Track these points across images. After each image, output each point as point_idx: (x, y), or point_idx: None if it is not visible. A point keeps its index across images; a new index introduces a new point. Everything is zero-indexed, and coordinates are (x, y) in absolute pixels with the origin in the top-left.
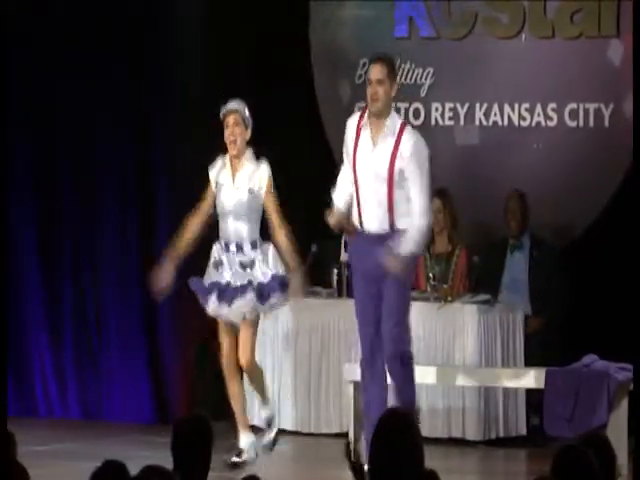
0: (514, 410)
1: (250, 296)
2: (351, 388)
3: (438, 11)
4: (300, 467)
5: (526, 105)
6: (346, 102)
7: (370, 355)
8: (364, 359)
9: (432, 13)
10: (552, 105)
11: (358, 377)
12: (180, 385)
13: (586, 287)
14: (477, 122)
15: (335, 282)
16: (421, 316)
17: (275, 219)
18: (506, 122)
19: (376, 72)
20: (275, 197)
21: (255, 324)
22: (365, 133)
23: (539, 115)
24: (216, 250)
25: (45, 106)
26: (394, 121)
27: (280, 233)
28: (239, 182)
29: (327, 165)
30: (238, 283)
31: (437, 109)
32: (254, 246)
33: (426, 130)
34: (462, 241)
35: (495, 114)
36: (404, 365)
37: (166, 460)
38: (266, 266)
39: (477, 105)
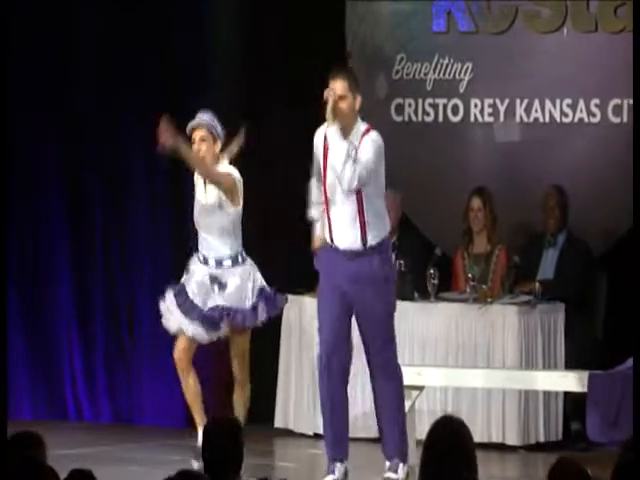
0: (555, 414)
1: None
2: None
3: (477, 5)
4: None
5: (568, 101)
6: (382, 97)
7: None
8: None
9: (471, 7)
10: (595, 101)
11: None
12: (213, 388)
13: (629, 289)
14: (517, 119)
15: None
16: (460, 318)
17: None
18: (547, 118)
19: (337, 87)
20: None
21: (247, 336)
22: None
23: (581, 111)
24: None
25: (73, 104)
26: (357, 132)
27: None
28: (210, 197)
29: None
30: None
31: (476, 105)
32: (235, 262)
33: (465, 127)
34: (502, 241)
35: (536, 110)
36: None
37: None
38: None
39: (517, 101)
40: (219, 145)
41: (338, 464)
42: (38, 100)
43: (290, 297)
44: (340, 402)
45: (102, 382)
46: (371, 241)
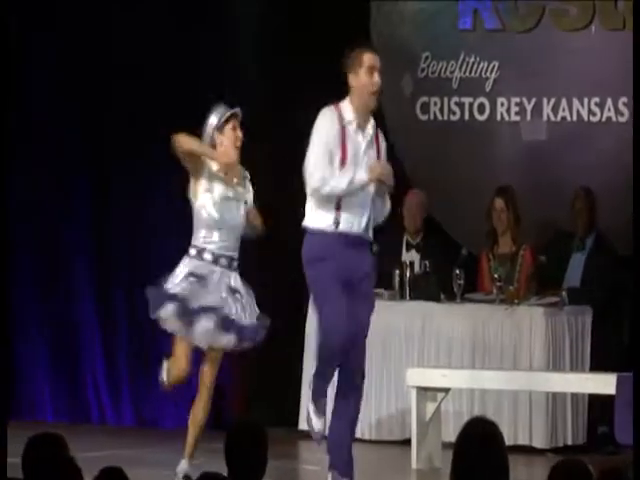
0: (582, 417)
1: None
2: (414, 394)
3: (504, 4)
4: (361, 476)
5: (596, 99)
6: (408, 96)
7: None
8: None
9: (497, 5)
10: (623, 99)
11: (421, 382)
12: (235, 391)
13: None
14: (545, 117)
15: (397, 283)
16: (487, 319)
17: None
18: (575, 117)
19: (377, 60)
20: None
21: None
22: (352, 129)
23: (609, 110)
24: (196, 264)
25: (98, 106)
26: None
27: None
28: (239, 193)
29: (387, 157)
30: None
31: (503, 104)
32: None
33: (491, 126)
34: (527, 240)
35: (563, 109)
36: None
37: (221, 467)
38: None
39: (544, 100)
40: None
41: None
42: (63, 97)
43: None
44: None
45: (125, 385)
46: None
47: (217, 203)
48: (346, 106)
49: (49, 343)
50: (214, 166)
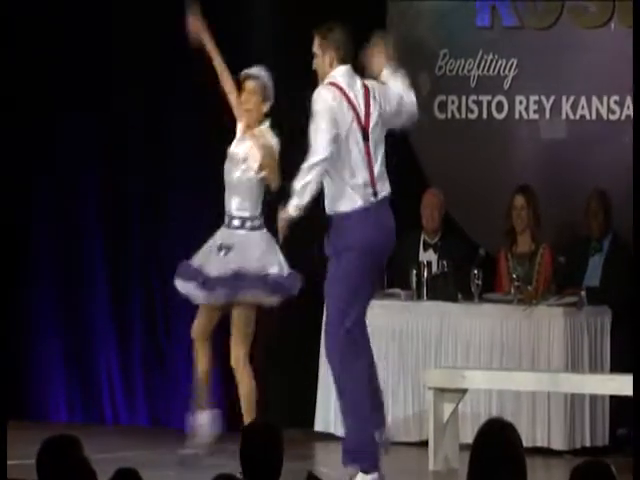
0: (601, 418)
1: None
2: (431, 395)
3: (522, 1)
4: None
5: (616, 98)
6: (425, 94)
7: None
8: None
9: (516, 2)
10: None
11: (439, 383)
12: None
13: None
14: (564, 116)
15: (414, 283)
16: (505, 319)
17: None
18: (594, 116)
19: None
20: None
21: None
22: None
23: (629, 108)
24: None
25: (112, 104)
26: None
27: None
28: (237, 148)
29: (403, 156)
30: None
31: (521, 102)
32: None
33: (509, 124)
34: (545, 240)
35: (583, 107)
36: None
37: (236, 469)
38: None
39: (564, 98)
40: (267, 107)
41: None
42: (78, 99)
43: None
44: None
45: (139, 385)
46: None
47: (225, 163)
48: None
49: (64, 344)
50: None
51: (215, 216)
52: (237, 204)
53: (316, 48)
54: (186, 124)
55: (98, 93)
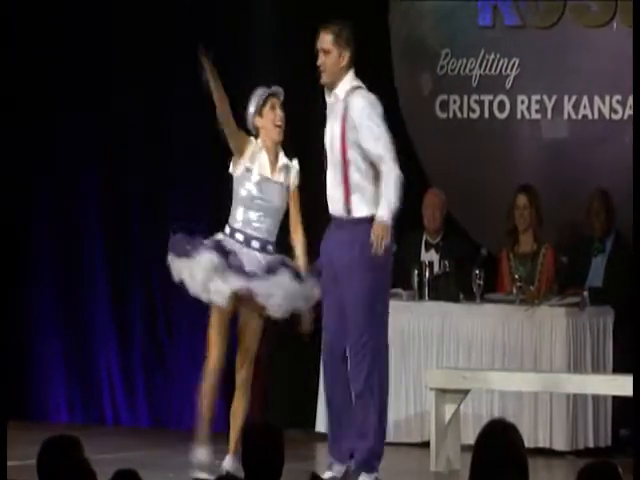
0: (603, 419)
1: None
2: (433, 395)
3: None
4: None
5: (618, 97)
6: (427, 93)
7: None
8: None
9: (518, 1)
10: None
11: (440, 384)
12: (252, 392)
13: None
14: (565, 115)
15: (416, 284)
16: (507, 320)
17: (296, 216)
18: (596, 115)
19: (321, 41)
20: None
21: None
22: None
23: (631, 108)
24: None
25: (113, 104)
26: (343, 88)
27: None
28: (279, 174)
29: (406, 156)
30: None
31: (523, 102)
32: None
33: (511, 124)
34: (547, 240)
35: (585, 107)
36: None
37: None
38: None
39: (565, 97)
40: None
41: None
42: (78, 99)
43: None
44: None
45: (140, 386)
46: (355, 212)
47: (257, 182)
48: None
49: (64, 344)
50: (258, 144)
51: (215, 216)
52: (269, 227)
53: (328, 45)
54: (186, 124)
55: (98, 93)
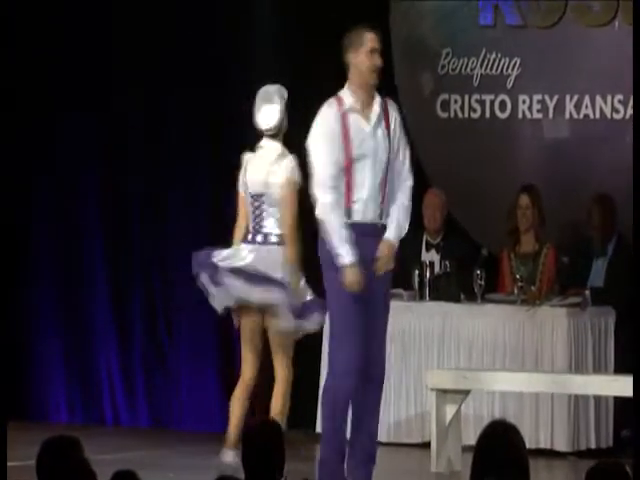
0: (605, 419)
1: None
2: (433, 396)
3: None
4: (380, 478)
5: (619, 97)
6: (428, 93)
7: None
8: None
9: (519, 1)
10: None
11: (441, 385)
12: (252, 392)
13: None
14: (567, 115)
15: (417, 284)
16: (508, 320)
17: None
18: (598, 115)
19: (378, 42)
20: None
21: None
22: (355, 115)
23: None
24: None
25: (113, 105)
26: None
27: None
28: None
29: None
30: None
31: (524, 101)
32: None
33: (512, 123)
34: (549, 240)
35: (586, 106)
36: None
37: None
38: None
39: (567, 97)
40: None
41: None
42: (78, 99)
43: None
44: None
45: (140, 386)
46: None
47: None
48: (345, 92)
49: (64, 344)
50: None
51: (215, 216)
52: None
53: (380, 45)
54: (186, 124)
55: (98, 93)
